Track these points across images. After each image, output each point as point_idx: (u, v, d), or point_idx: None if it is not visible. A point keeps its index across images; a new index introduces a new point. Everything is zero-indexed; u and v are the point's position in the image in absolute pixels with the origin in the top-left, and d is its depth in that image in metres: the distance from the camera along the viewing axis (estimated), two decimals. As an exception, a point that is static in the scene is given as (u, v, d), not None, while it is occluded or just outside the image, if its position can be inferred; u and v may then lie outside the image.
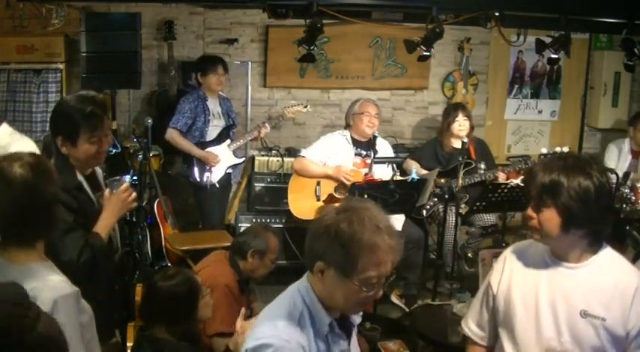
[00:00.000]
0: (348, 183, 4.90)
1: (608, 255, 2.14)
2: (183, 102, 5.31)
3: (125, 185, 2.75)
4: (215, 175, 5.33)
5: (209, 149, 5.33)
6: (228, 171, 5.44)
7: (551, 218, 2.05)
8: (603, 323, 2.06)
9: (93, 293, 2.33)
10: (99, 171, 2.91)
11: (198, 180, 5.32)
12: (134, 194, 2.78)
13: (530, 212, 2.10)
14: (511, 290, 2.19)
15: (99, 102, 2.76)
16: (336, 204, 1.93)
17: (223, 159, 5.36)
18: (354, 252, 1.78)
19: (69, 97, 2.91)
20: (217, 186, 5.35)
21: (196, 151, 5.28)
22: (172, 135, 5.26)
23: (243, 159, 5.62)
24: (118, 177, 2.80)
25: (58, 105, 2.81)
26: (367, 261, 1.79)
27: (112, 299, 2.85)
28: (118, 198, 2.71)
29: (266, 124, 5.46)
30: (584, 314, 2.08)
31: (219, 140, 5.37)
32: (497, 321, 2.26)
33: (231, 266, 3.57)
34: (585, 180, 2.02)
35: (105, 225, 2.67)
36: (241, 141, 5.45)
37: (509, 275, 2.22)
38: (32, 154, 2.16)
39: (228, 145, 5.39)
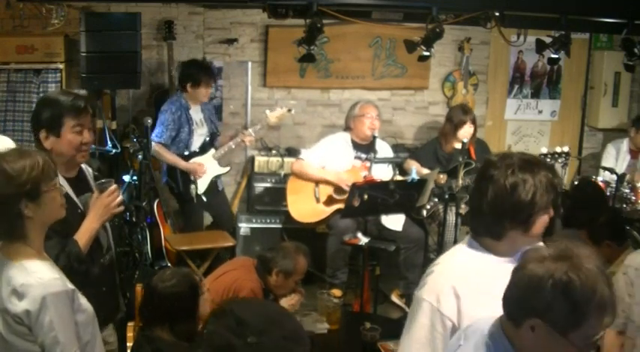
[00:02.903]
0: (347, 189, 4.86)
1: None
2: (165, 112, 5.13)
3: (111, 188, 2.68)
4: (200, 187, 5.24)
5: (193, 160, 5.23)
6: (214, 180, 5.36)
7: None
8: None
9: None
10: (89, 170, 2.87)
11: (183, 192, 5.23)
12: (119, 198, 2.70)
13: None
14: (477, 310, 1.98)
15: (82, 96, 2.78)
16: (542, 247, 1.72)
17: (208, 169, 5.27)
18: (585, 310, 1.57)
19: (51, 92, 2.92)
20: (204, 199, 5.26)
21: (182, 163, 5.17)
22: (157, 149, 5.09)
23: (229, 168, 5.54)
24: (105, 180, 2.73)
25: (41, 99, 2.80)
26: (595, 320, 1.59)
27: (99, 301, 2.83)
28: (101, 203, 2.65)
29: (249, 130, 5.35)
30: None
31: (203, 150, 5.28)
32: None
33: (258, 274, 3.57)
34: None
35: (86, 230, 2.61)
36: (225, 149, 5.33)
37: (467, 297, 2.04)
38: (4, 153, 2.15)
39: (213, 155, 5.31)
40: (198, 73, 5.22)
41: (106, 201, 2.65)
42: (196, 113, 5.29)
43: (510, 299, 1.70)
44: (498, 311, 2.02)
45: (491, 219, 2.04)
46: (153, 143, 5.09)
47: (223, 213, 5.57)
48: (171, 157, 5.17)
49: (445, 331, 2.04)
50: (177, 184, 5.23)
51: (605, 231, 3.67)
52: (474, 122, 5.37)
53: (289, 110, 5.43)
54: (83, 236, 2.60)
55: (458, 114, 5.43)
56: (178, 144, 5.22)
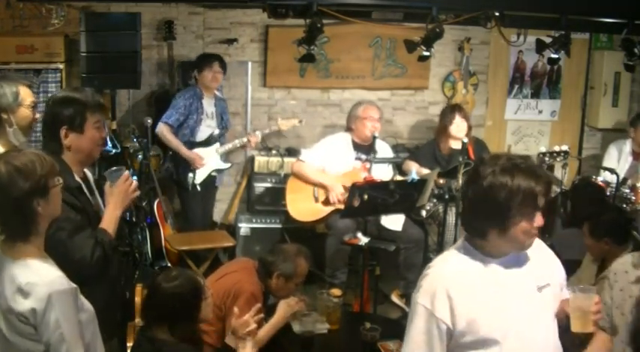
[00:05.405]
0: (338, 204, 4.93)
1: None
2: (179, 97, 5.29)
3: (125, 175, 2.72)
4: (198, 177, 5.29)
5: (196, 150, 5.29)
6: (213, 174, 5.40)
7: None
8: (551, 288, 2.15)
9: (97, 293, 2.35)
10: (89, 175, 2.90)
11: (181, 179, 5.30)
12: (135, 183, 2.75)
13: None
14: (471, 310, 2.07)
15: (93, 92, 2.87)
16: None
17: (209, 162, 5.32)
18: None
19: (63, 91, 2.92)
20: (199, 188, 5.31)
21: (183, 150, 5.24)
22: (162, 130, 5.22)
23: (230, 165, 5.58)
24: (115, 168, 2.76)
25: (57, 98, 2.79)
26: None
27: (113, 300, 2.85)
28: (119, 190, 2.69)
29: (257, 133, 5.44)
30: (539, 289, 2.13)
31: (208, 142, 5.34)
32: (456, 350, 2.12)
33: (258, 277, 3.57)
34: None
35: (110, 219, 2.66)
36: (230, 146, 5.40)
37: (460, 299, 2.07)
38: (19, 153, 2.15)
39: (217, 149, 5.36)
40: (200, 59, 5.42)
41: (124, 188, 2.70)
42: (209, 105, 5.38)
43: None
44: (492, 312, 2.07)
45: (472, 218, 2.13)
46: (160, 124, 5.22)
47: (205, 210, 5.59)
48: (174, 141, 5.25)
49: (440, 333, 2.08)
50: (176, 171, 5.31)
51: (605, 229, 3.68)
52: (465, 118, 5.37)
53: (300, 121, 5.60)
54: (109, 225, 2.65)
55: (446, 112, 5.47)
56: (184, 131, 5.29)
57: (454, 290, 2.07)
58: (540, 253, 2.23)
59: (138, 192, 2.80)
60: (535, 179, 2.03)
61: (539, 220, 2.06)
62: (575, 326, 2.11)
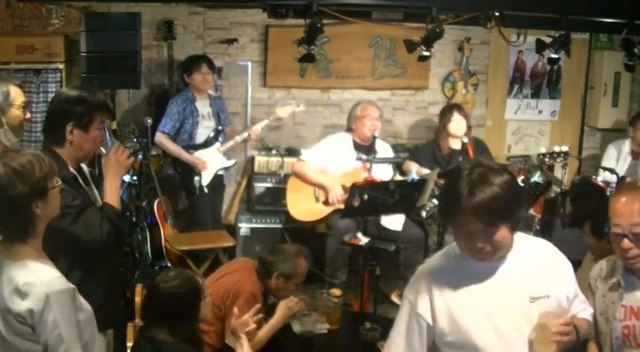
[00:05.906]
0: (335, 204, 4.94)
1: (517, 236, 2.12)
2: (172, 104, 5.26)
3: (115, 145, 2.79)
4: (204, 179, 5.28)
5: (198, 152, 5.28)
6: (219, 173, 5.39)
7: (506, 234, 2.02)
8: (549, 300, 2.09)
9: (97, 285, 2.37)
10: (84, 166, 2.91)
11: (187, 183, 5.29)
12: (127, 151, 2.81)
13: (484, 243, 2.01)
14: (452, 310, 2.07)
15: (102, 93, 2.88)
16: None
17: (213, 162, 5.30)
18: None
19: (72, 87, 2.95)
20: (206, 190, 5.30)
21: (185, 156, 5.23)
22: (161, 139, 5.21)
23: (234, 161, 5.57)
24: (107, 142, 2.84)
25: (68, 95, 2.78)
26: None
27: (114, 285, 2.87)
28: (111, 161, 2.75)
29: (257, 126, 5.41)
30: (532, 299, 2.08)
31: (208, 143, 5.33)
32: (442, 348, 2.13)
33: (258, 277, 3.57)
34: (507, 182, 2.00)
35: (111, 191, 2.72)
36: (231, 143, 5.38)
37: (442, 298, 2.08)
38: (19, 153, 2.14)
39: (218, 148, 5.35)
40: (187, 63, 5.40)
41: (116, 157, 2.76)
42: (204, 107, 5.37)
43: None
44: (475, 314, 2.06)
45: None
46: (157, 133, 5.21)
47: (214, 210, 5.58)
48: (174, 148, 5.24)
49: (420, 329, 2.11)
50: (181, 176, 5.30)
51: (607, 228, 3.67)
52: (464, 116, 5.37)
53: (298, 105, 5.51)
54: (111, 197, 2.71)
55: (445, 111, 5.48)
56: (183, 136, 5.29)
57: (437, 288, 2.09)
58: (547, 262, 2.15)
59: (132, 159, 2.86)
60: (468, 193, 1.95)
61: (479, 242, 1.99)
62: (537, 343, 2.05)
